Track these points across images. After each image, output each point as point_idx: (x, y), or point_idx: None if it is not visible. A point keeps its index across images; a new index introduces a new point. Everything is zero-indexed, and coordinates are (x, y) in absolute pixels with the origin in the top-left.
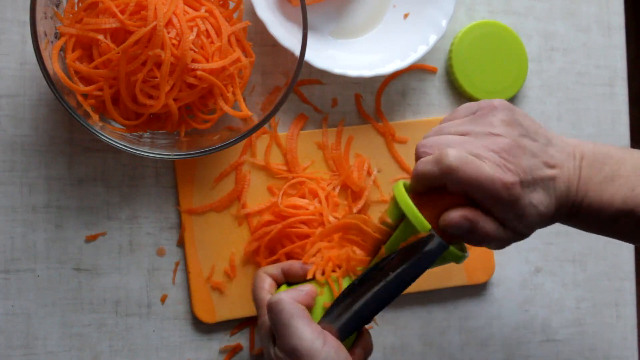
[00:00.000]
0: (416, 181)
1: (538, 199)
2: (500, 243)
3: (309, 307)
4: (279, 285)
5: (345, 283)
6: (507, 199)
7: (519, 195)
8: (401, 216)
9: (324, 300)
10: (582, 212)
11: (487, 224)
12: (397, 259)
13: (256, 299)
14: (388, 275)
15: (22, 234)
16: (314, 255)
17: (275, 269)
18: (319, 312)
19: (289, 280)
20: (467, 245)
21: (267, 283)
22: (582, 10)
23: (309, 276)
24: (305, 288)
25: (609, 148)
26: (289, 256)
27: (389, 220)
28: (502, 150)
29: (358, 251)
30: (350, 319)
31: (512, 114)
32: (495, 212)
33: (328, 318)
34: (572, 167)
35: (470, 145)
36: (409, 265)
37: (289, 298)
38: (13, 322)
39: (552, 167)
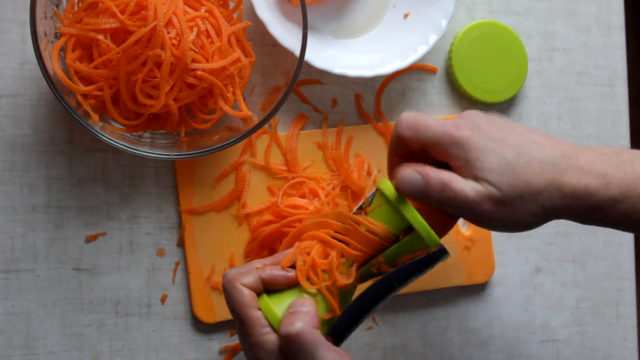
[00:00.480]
0: (389, 155)
1: (503, 150)
2: (474, 207)
3: (316, 327)
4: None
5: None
6: (458, 136)
7: (468, 135)
8: (407, 228)
9: (320, 311)
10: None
11: (440, 174)
12: (402, 275)
13: (241, 317)
14: (393, 287)
15: (22, 234)
16: (294, 257)
17: (251, 278)
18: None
19: (268, 288)
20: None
21: (248, 297)
22: (582, 10)
23: (306, 288)
24: (310, 308)
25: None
26: None
27: (387, 229)
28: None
29: (344, 254)
30: (348, 327)
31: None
32: (452, 158)
33: (330, 331)
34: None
35: None
36: (408, 274)
37: (308, 326)
38: (13, 322)
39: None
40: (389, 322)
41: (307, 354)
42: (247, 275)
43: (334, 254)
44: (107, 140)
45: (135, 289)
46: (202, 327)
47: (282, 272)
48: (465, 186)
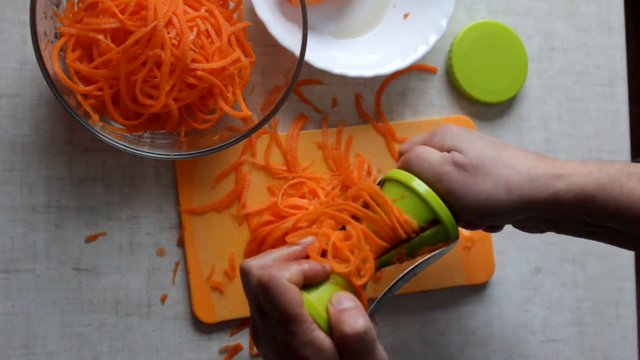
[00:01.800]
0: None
1: (487, 141)
2: (436, 168)
3: None
4: None
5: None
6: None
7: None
8: (433, 220)
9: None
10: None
11: (420, 145)
12: (423, 267)
13: (291, 316)
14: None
15: (22, 234)
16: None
17: (294, 273)
18: None
19: (307, 282)
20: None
21: (298, 295)
22: (582, 10)
23: (357, 284)
24: (357, 303)
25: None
26: None
27: (413, 222)
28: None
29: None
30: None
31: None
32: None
33: None
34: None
35: None
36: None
37: (370, 324)
38: (13, 322)
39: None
40: (389, 322)
41: (369, 351)
42: (288, 271)
43: (355, 233)
44: (107, 140)
45: (135, 289)
46: (202, 327)
47: (321, 266)
48: (434, 152)
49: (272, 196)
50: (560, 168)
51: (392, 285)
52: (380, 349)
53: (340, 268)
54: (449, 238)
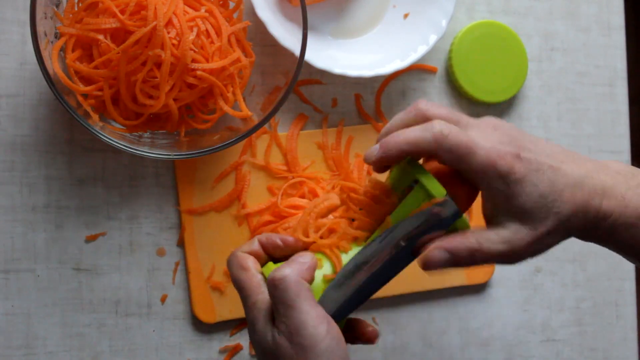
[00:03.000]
0: (400, 152)
1: (540, 178)
2: (506, 257)
3: (310, 282)
4: (261, 263)
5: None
6: (504, 167)
7: (513, 164)
8: (410, 185)
9: (324, 272)
10: (612, 224)
11: (466, 243)
12: (407, 229)
13: (239, 281)
14: (398, 245)
15: (22, 234)
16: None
17: (251, 245)
18: (319, 286)
19: (269, 253)
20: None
21: (250, 262)
22: (582, 10)
23: (304, 239)
24: (306, 260)
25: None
26: None
27: (388, 186)
28: (499, 133)
29: (353, 225)
30: (353, 296)
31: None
32: (488, 190)
33: (332, 292)
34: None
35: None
36: (420, 231)
37: (295, 275)
38: (13, 322)
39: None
40: (389, 322)
41: (288, 303)
42: (247, 245)
43: (342, 220)
44: (107, 140)
45: (135, 289)
46: (202, 327)
47: (279, 235)
48: (494, 244)
49: (272, 196)
50: (612, 203)
51: (365, 247)
52: (310, 312)
53: (288, 231)
54: (430, 196)
